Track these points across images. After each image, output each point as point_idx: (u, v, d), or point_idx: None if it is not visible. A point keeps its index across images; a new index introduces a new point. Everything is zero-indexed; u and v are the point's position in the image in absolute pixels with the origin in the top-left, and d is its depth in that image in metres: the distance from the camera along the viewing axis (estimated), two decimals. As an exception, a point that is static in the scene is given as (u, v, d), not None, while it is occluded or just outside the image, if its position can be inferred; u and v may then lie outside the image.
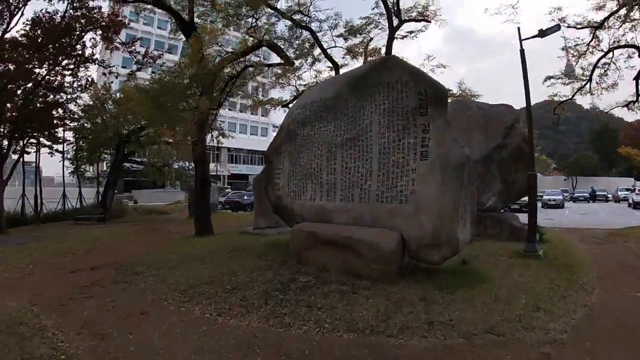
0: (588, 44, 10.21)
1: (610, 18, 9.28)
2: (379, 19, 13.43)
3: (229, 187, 43.96)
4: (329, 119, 6.72)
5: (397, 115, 5.68)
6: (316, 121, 6.98)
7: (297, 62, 13.96)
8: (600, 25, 9.57)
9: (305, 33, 13.49)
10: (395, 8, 12.75)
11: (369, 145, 5.99)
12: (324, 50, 13.44)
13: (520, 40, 7.36)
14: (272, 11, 12.98)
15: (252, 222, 11.97)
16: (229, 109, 52.67)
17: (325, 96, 6.81)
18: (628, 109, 11.69)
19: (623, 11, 8.94)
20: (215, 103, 11.31)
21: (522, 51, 7.26)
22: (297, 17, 13.13)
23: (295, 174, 7.27)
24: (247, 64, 12.43)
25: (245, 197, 27.24)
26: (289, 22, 13.29)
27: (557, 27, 7.93)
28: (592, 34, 9.93)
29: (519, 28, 7.37)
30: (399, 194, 5.51)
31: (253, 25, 12.35)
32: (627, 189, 30.35)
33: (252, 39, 12.62)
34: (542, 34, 7.47)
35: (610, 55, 10.25)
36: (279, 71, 16.68)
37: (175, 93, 10.77)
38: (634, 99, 10.98)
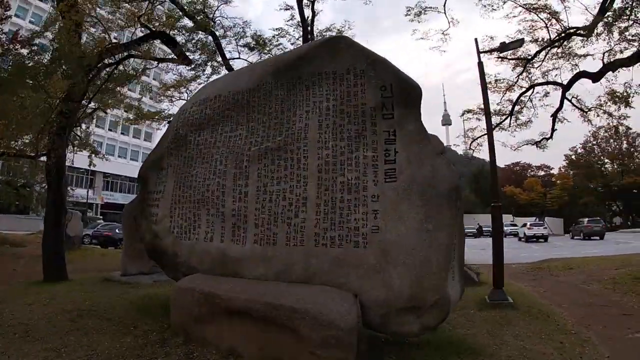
0: (518, 77, 10.59)
1: (541, 53, 9.74)
2: (293, 31, 11.96)
3: (101, 217, 35.71)
4: (241, 121, 4.41)
5: (347, 118, 3.78)
6: (220, 123, 4.58)
7: (193, 68, 11.22)
8: (532, 58, 10.00)
9: (207, 37, 11.05)
10: (310, 28, 11.54)
11: (302, 159, 3.89)
12: (225, 59, 11.13)
13: (479, 53, 6.61)
14: (172, 5, 10.26)
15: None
16: (109, 129, 44.49)
17: (237, 88, 4.52)
18: (538, 147, 12.38)
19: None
20: (81, 91, 7.80)
21: (480, 64, 6.47)
22: (199, 17, 10.66)
23: (182, 200, 4.60)
24: (131, 54, 9.22)
25: (117, 231, 21.65)
26: (190, 23, 10.70)
27: (521, 42, 7.62)
28: (523, 68, 10.32)
29: (476, 39, 6.68)
30: (352, 232, 3.48)
31: (148, 12, 9.36)
32: (511, 224, 34.41)
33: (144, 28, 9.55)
34: (504, 47, 6.96)
35: (529, 92, 10.80)
36: (170, 80, 13.56)
37: (25, 74, 7.67)
38: (548, 135, 11.70)
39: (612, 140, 42.66)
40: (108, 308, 5.25)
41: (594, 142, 44.69)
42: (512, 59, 10.45)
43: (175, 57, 10.09)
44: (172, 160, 4.92)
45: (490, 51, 7.31)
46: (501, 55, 10.05)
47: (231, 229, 4.10)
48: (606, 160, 45.11)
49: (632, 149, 43.49)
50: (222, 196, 4.23)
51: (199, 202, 4.41)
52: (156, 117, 13.76)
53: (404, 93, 3.63)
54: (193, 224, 4.43)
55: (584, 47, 9.17)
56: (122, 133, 46.39)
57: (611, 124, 10.67)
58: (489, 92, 7.60)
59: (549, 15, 9.78)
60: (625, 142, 42.97)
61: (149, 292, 6.36)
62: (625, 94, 9.14)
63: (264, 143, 4.14)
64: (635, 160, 42.74)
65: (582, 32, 8.51)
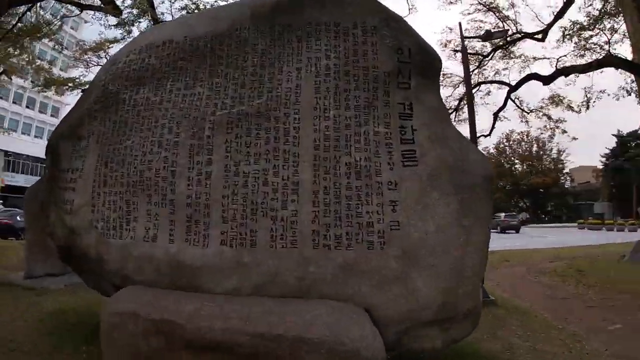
0: (471, 72, 10.58)
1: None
2: None
3: (1, 202, 29.40)
4: (201, 75, 3.15)
5: (354, 82, 2.82)
6: (170, 77, 3.25)
7: (119, 24, 9.10)
8: (487, 55, 10.03)
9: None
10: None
11: (291, 130, 2.83)
12: (156, 20, 9.22)
13: (462, 38, 6.09)
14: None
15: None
16: (14, 102, 36.93)
17: (197, 33, 3.22)
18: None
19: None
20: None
21: (464, 49, 5.94)
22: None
23: (110, 183, 3.19)
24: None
25: (18, 218, 17.69)
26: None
27: (505, 32, 7.29)
28: (478, 64, 10.34)
29: (460, 23, 6.17)
30: (365, 230, 2.57)
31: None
32: None
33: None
34: (488, 36, 6.54)
35: (475, 89, 10.92)
36: (89, 42, 11.03)
37: None
38: (487, 133, 12.08)
39: (523, 143, 48.31)
40: (9, 331, 3.67)
41: (507, 144, 50.21)
42: (471, 54, 10.51)
43: (102, 4, 7.96)
44: (95, 127, 3.44)
45: (476, 37, 7.00)
46: (456, 49, 10.06)
47: (185, 224, 2.86)
48: (516, 161, 50.97)
49: (541, 152, 49.55)
50: (172, 177, 2.96)
51: (136, 185, 3.07)
52: (69, 83, 11.09)
53: (424, 60, 2.80)
54: (127, 217, 3.07)
55: (533, 55, 9.55)
56: (27, 106, 38.89)
57: (548, 126, 11.44)
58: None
59: (499, 19, 10.00)
60: (535, 145, 48.81)
61: (63, 303, 4.76)
62: (561, 98, 9.73)
63: (235, 106, 2.97)
64: (544, 163, 48.87)
65: (537, 36, 8.74)
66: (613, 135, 39.83)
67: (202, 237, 2.81)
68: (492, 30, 7.53)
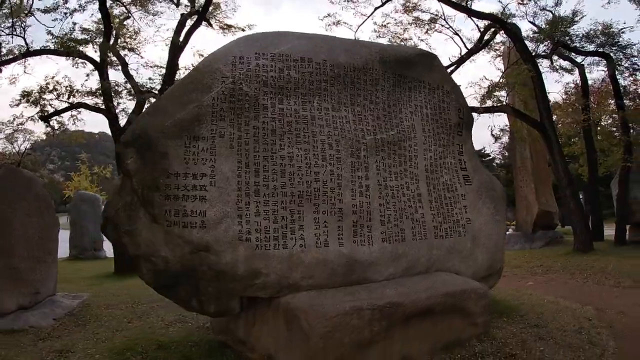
0: None
1: None
2: None
3: None
4: (344, 101, 3.53)
5: (441, 127, 4.17)
6: (316, 95, 3.39)
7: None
8: None
9: None
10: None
11: (413, 158, 3.84)
12: None
13: None
14: None
15: None
16: None
17: (335, 60, 3.51)
18: None
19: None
20: None
21: None
22: None
23: (266, 192, 2.98)
24: None
25: None
26: None
27: None
28: None
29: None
30: (456, 224, 3.98)
31: None
32: None
33: None
34: None
35: None
36: None
37: None
38: None
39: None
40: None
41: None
42: None
43: None
44: (222, 128, 2.97)
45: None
46: None
47: (351, 228, 3.27)
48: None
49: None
50: (338, 189, 3.25)
51: (302, 195, 3.08)
52: None
53: (468, 118, 4.57)
54: (291, 226, 3.02)
55: None
56: None
57: None
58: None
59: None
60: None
61: (112, 341, 3.69)
62: None
63: (377, 134, 3.63)
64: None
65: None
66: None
67: (367, 238, 3.35)
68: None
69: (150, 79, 9.62)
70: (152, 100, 8.95)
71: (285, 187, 3.07)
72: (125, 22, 9.75)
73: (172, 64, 8.69)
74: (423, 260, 3.69)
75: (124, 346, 3.62)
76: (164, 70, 9.25)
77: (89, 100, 9.14)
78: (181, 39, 8.73)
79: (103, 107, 8.87)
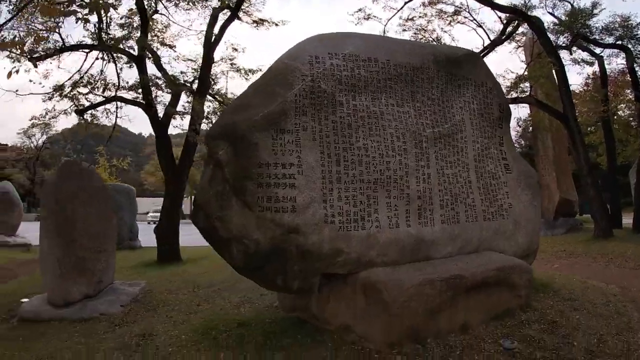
0: None
1: None
2: None
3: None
4: (406, 97, 3.89)
5: (485, 121, 4.51)
6: (383, 92, 3.75)
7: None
8: None
9: None
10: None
11: (464, 149, 4.21)
12: None
13: None
14: None
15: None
16: None
17: (396, 60, 3.85)
18: None
19: None
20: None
21: None
22: None
23: (346, 180, 3.36)
24: None
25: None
26: None
27: None
28: None
29: None
30: (500, 209, 4.36)
31: None
32: None
33: None
34: None
35: None
36: None
37: None
38: None
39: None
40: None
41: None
42: None
43: None
44: (305, 122, 3.34)
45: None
46: None
47: (417, 212, 3.67)
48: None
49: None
50: (406, 177, 3.63)
51: (377, 182, 3.47)
52: None
53: (507, 113, 4.91)
54: (367, 210, 3.42)
55: None
56: None
57: None
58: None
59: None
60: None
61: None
62: None
63: (435, 127, 3.99)
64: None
65: None
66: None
67: (430, 220, 3.75)
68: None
69: (182, 72, 9.79)
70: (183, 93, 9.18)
71: (362, 175, 3.45)
72: (154, 17, 9.91)
73: (208, 58, 8.85)
74: (474, 240, 4.09)
75: (205, 326, 3.87)
76: (195, 64, 9.48)
77: (125, 94, 9.38)
78: (215, 32, 8.94)
79: (139, 100, 9.15)
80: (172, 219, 8.88)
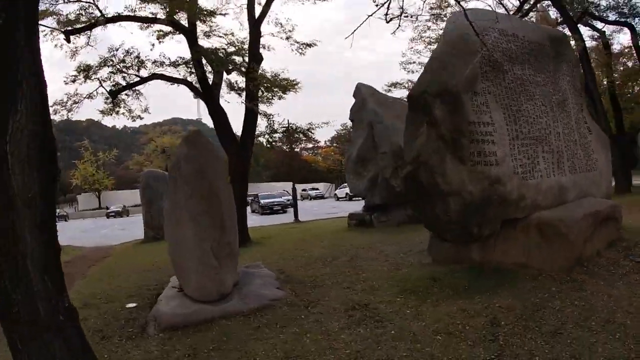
0: None
1: None
2: None
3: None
4: (537, 69, 4.54)
5: (576, 91, 5.34)
6: (526, 63, 4.36)
7: None
8: None
9: None
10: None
11: (570, 114, 4.98)
12: None
13: None
14: None
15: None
16: None
17: (529, 38, 4.48)
18: None
19: None
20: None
21: None
22: None
23: (522, 137, 3.93)
24: None
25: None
26: None
27: None
28: None
29: None
30: (593, 162, 5.24)
31: None
32: (313, 189, 36.86)
33: None
34: None
35: None
36: None
37: None
38: None
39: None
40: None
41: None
42: None
43: None
44: (488, 86, 3.84)
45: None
46: None
47: (557, 164, 4.35)
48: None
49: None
50: (550, 135, 4.28)
51: (538, 139, 4.07)
52: None
53: (583, 85, 5.81)
54: (533, 162, 4.02)
55: None
56: None
57: None
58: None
59: None
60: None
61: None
62: None
63: (554, 95, 4.70)
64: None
65: None
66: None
67: (563, 171, 4.47)
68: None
69: (224, 48, 8.88)
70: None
71: (530, 133, 4.04)
72: None
73: (256, 32, 8.51)
74: (584, 187, 4.92)
75: (400, 286, 3.87)
76: (236, 39, 8.82)
77: (163, 71, 8.55)
78: (260, 6, 8.56)
79: (179, 77, 8.43)
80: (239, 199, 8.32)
